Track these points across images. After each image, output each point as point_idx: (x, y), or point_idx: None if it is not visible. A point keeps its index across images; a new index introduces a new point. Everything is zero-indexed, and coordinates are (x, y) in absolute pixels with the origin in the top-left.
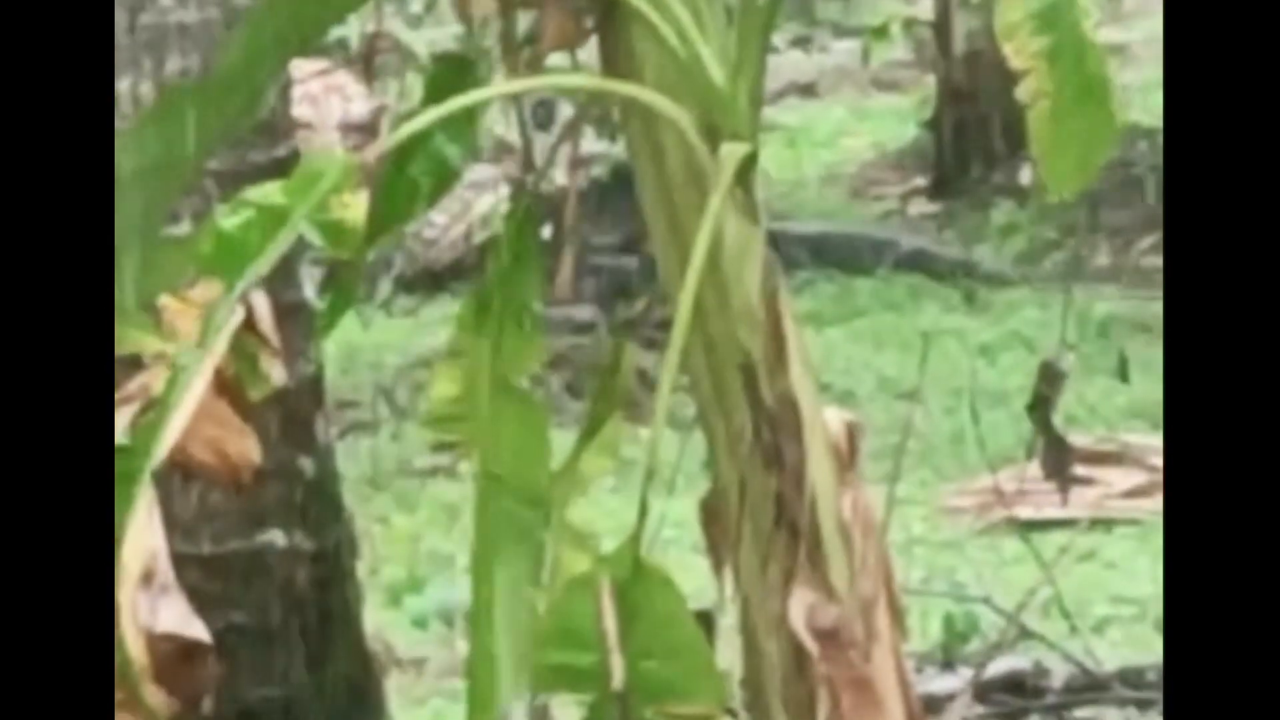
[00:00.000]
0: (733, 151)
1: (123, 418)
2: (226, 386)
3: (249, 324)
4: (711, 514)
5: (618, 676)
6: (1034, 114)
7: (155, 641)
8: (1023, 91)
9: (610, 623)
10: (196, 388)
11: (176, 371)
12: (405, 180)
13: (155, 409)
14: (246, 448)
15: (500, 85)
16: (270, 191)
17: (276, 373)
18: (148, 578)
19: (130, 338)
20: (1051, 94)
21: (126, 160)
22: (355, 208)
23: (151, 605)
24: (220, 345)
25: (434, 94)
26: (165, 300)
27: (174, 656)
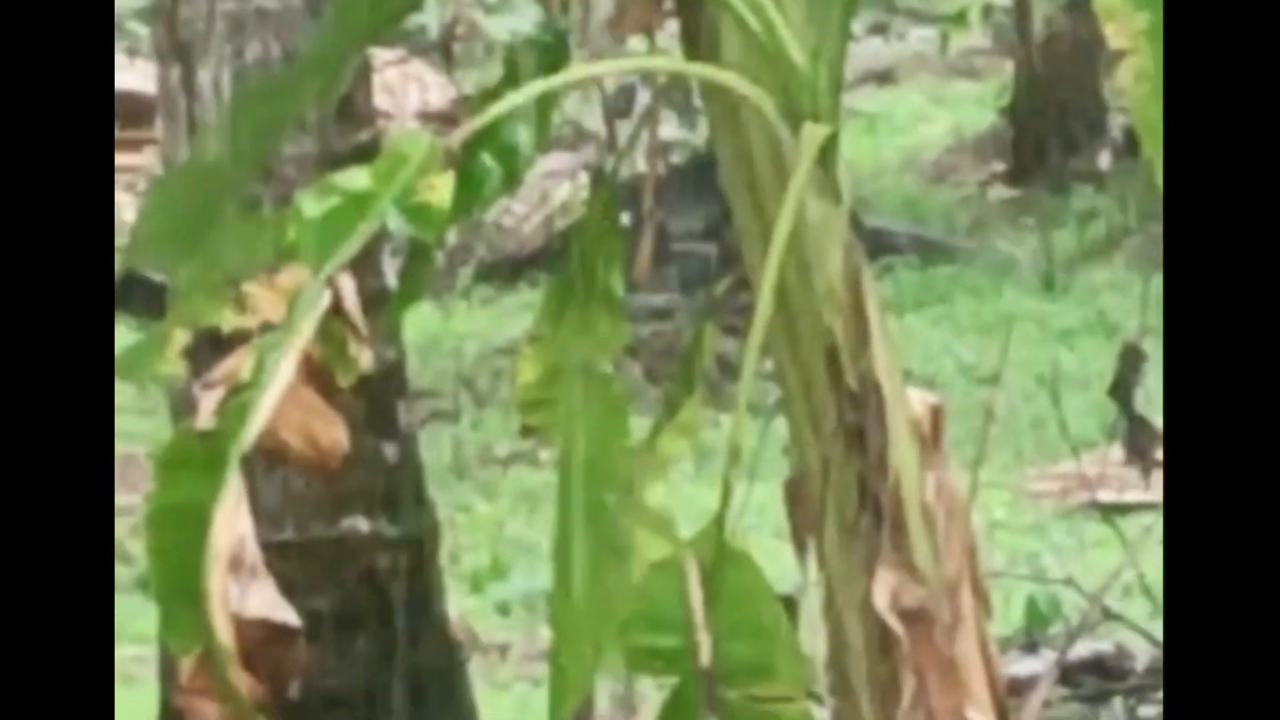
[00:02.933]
0: (814, 133)
1: (209, 402)
2: (314, 372)
3: (336, 308)
4: (795, 497)
5: (704, 657)
6: (1135, 95)
7: (244, 626)
8: (1124, 72)
9: (697, 604)
10: (284, 373)
11: (263, 356)
12: (478, 167)
13: (242, 394)
14: (335, 434)
15: (580, 69)
16: (356, 176)
17: (364, 358)
18: (236, 563)
19: (209, 316)
20: (1153, 75)
21: (210, 145)
22: (441, 191)
23: (240, 590)
24: (307, 330)
25: (513, 80)
26: (250, 286)
27: (262, 641)
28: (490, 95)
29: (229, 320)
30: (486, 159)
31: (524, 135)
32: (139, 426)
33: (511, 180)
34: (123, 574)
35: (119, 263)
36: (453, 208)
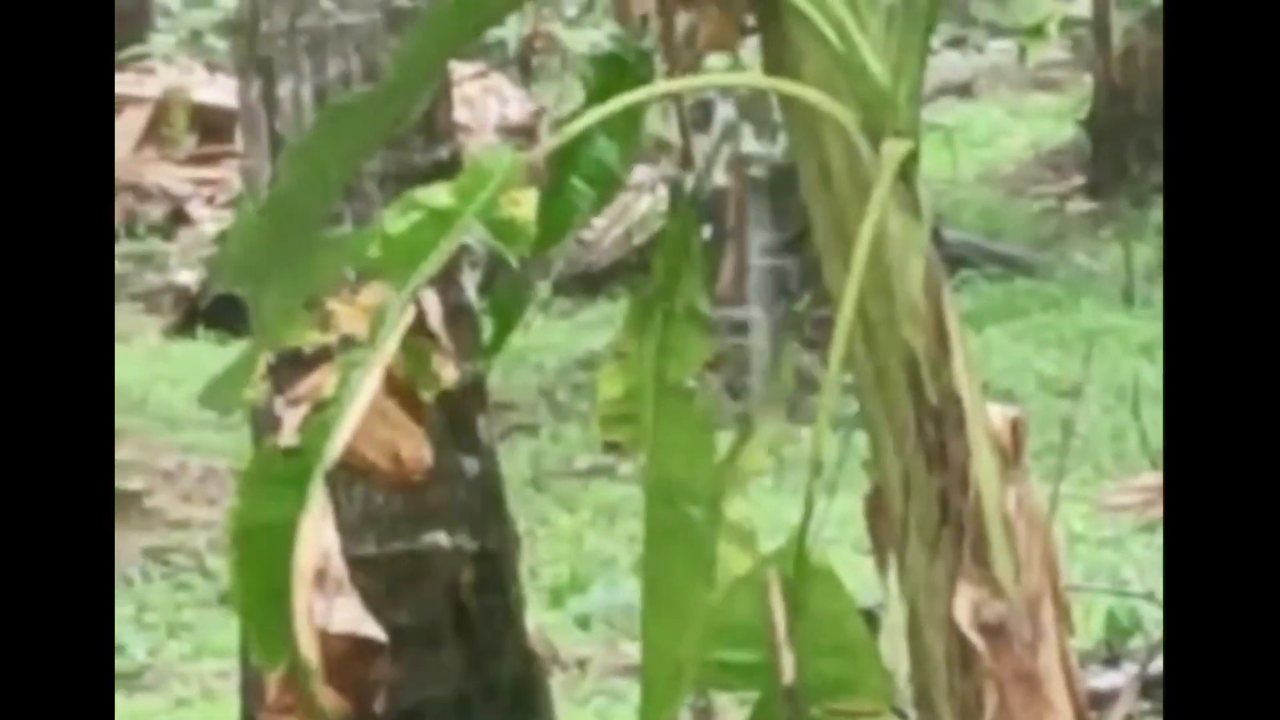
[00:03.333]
0: (894, 148)
1: (293, 419)
2: (397, 387)
3: (419, 324)
4: (876, 511)
5: (788, 673)
6: None
7: (329, 641)
8: None
9: (780, 620)
10: (368, 388)
11: (347, 372)
12: (568, 188)
13: (326, 409)
14: (418, 449)
15: (662, 84)
16: (438, 192)
17: (447, 372)
18: (321, 578)
19: (293, 336)
20: None
21: (293, 162)
22: (525, 205)
23: (325, 605)
24: (391, 345)
25: (595, 95)
26: (333, 303)
27: (347, 656)
28: (574, 113)
29: (313, 340)
30: (576, 182)
31: (611, 152)
32: (218, 440)
33: (603, 200)
34: (204, 588)
35: (205, 281)
36: (545, 232)
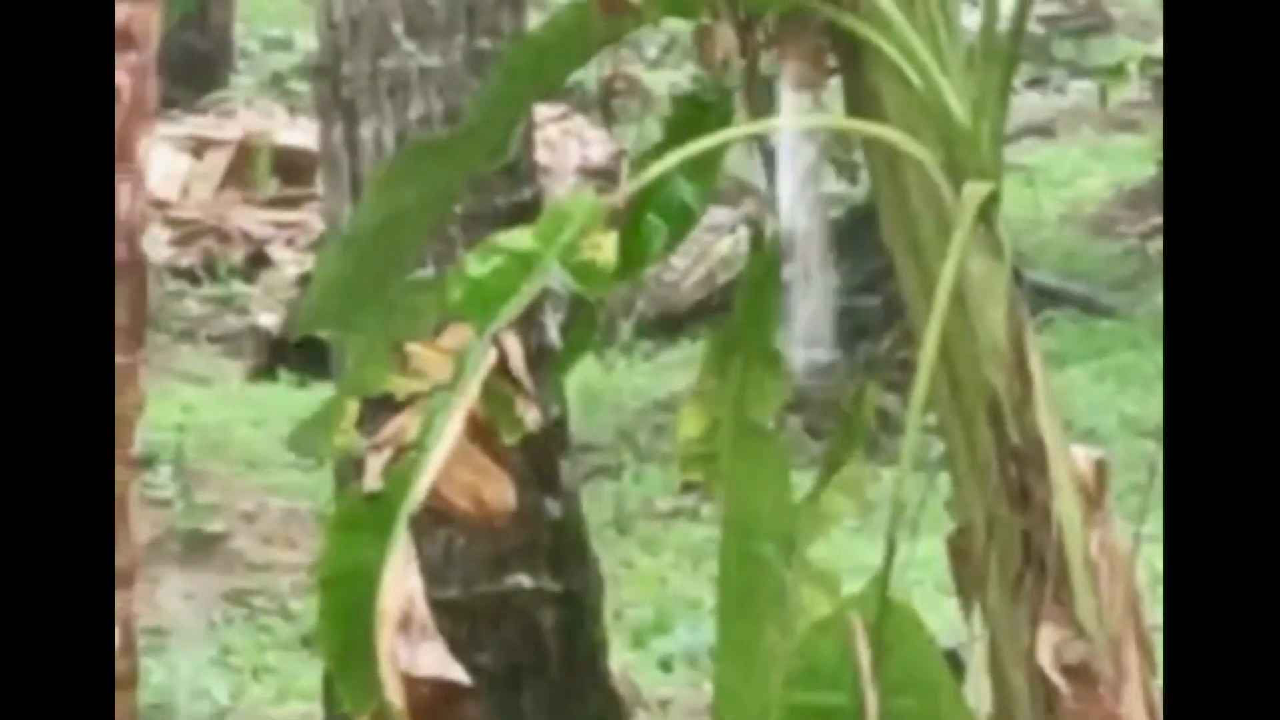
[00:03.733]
0: (976, 190)
1: (376, 463)
2: (480, 431)
3: (501, 367)
4: (959, 552)
5: (871, 714)
6: None
7: (414, 685)
8: None
9: (864, 661)
10: (451, 432)
11: (430, 416)
12: (644, 224)
13: (409, 455)
14: (502, 492)
15: (744, 126)
16: (519, 236)
17: (530, 416)
18: (405, 622)
19: (379, 382)
20: None
21: (375, 205)
22: (606, 249)
23: (410, 649)
24: (473, 388)
25: (674, 136)
26: (414, 346)
27: (433, 700)
28: (654, 153)
29: (399, 387)
30: (652, 218)
31: (689, 192)
32: (300, 482)
33: (677, 238)
34: (286, 631)
35: (286, 323)
36: (620, 267)
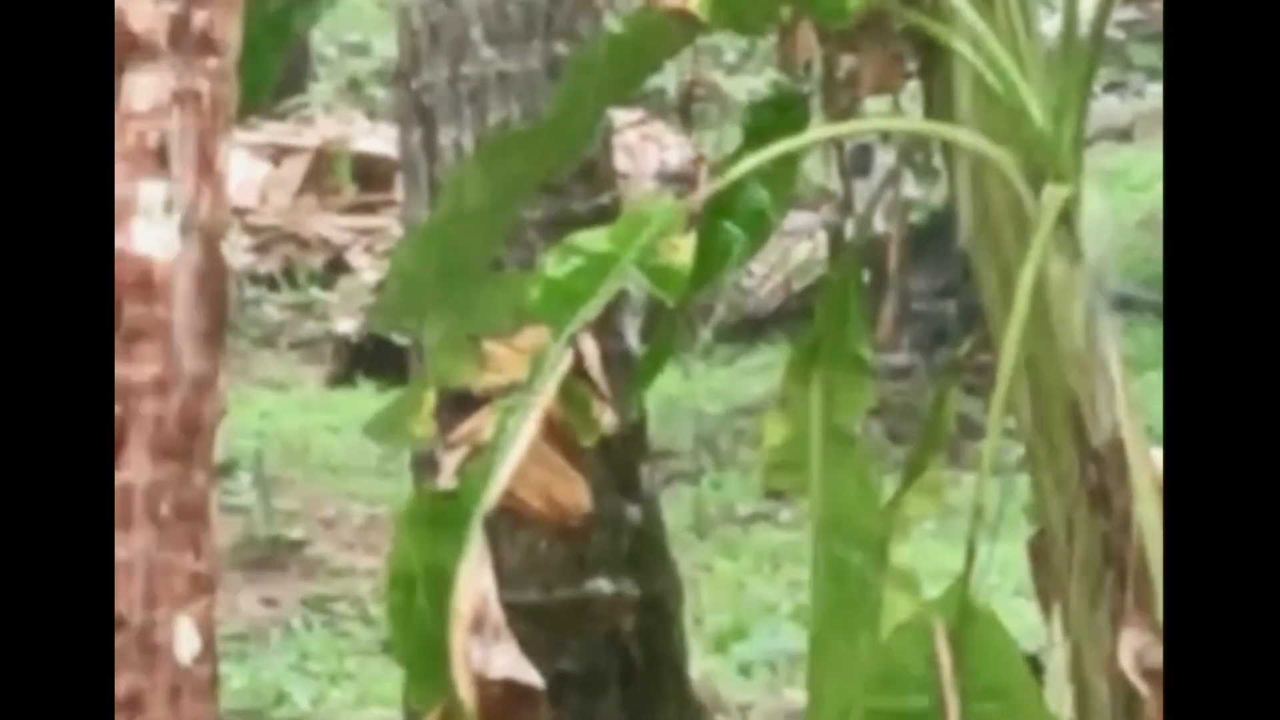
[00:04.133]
0: (1055, 193)
1: (451, 463)
2: (556, 432)
3: (578, 369)
4: (1039, 556)
5: (953, 718)
6: None
7: (486, 686)
8: None
9: (945, 665)
10: (526, 433)
11: (505, 417)
12: (722, 230)
13: (484, 454)
14: (576, 494)
15: (823, 129)
16: (597, 238)
17: (607, 418)
18: (479, 623)
19: (458, 376)
20: None
21: (453, 202)
22: (683, 252)
23: (483, 650)
24: (550, 390)
25: (754, 140)
26: (491, 346)
27: (504, 701)
28: (733, 158)
29: (478, 381)
30: (730, 225)
31: (767, 198)
32: (380, 488)
33: (756, 245)
34: (366, 636)
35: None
36: (698, 274)
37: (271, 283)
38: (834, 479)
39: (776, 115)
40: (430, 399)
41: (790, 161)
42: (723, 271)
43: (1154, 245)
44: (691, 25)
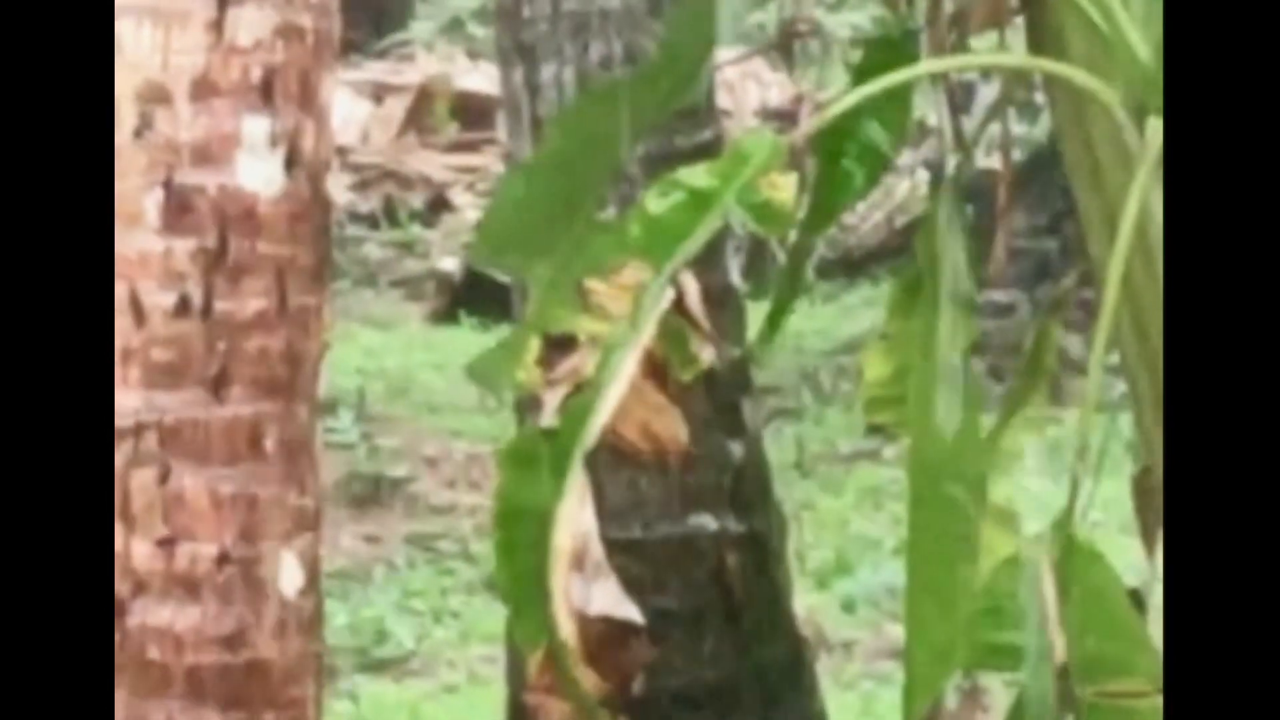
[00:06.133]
0: (1159, 127)
1: (553, 400)
2: (656, 368)
3: (679, 306)
4: (1143, 492)
5: (1060, 654)
6: None
7: (587, 623)
8: None
9: (1050, 600)
10: (627, 369)
11: (607, 354)
12: (838, 170)
13: (585, 391)
14: (675, 430)
15: (931, 64)
16: (698, 173)
17: (706, 354)
18: (579, 560)
19: (561, 319)
20: None
21: (557, 143)
22: (784, 189)
23: (584, 587)
24: (650, 327)
25: (860, 76)
26: (593, 283)
27: (606, 638)
28: (830, 100)
29: (582, 327)
30: (846, 162)
31: (881, 132)
32: (483, 425)
33: (871, 181)
34: (469, 573)
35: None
36: (819, 209)
37: (373, 221)
38: (936, 414)
39: (884, 50)
40: (534, 345)
41: (903, 95)
42: (842, 208)
43: None
44: None
